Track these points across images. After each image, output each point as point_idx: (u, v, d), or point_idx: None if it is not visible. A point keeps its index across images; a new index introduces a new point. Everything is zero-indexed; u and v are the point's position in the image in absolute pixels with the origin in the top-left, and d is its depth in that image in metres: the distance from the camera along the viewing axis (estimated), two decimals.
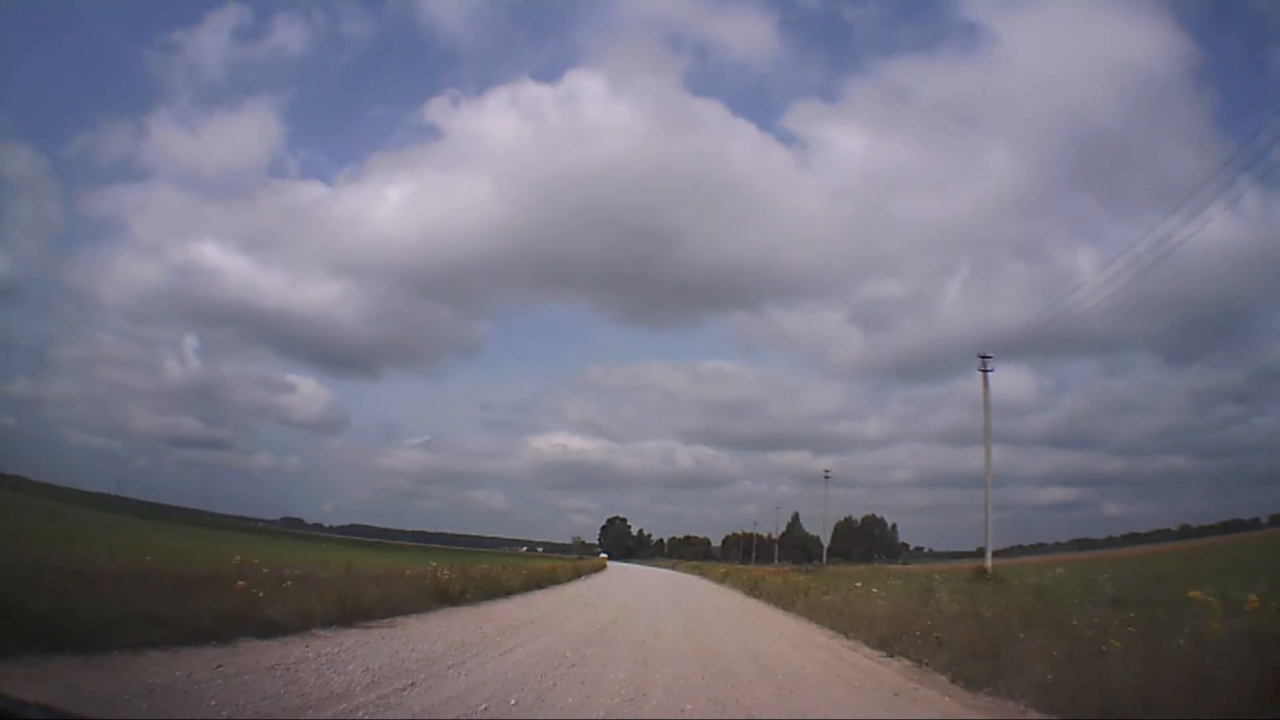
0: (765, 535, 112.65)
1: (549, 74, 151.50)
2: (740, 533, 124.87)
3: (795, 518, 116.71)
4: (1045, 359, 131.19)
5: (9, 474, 66.45)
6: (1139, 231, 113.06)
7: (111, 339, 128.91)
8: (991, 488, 31.78)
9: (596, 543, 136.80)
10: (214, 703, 5.39)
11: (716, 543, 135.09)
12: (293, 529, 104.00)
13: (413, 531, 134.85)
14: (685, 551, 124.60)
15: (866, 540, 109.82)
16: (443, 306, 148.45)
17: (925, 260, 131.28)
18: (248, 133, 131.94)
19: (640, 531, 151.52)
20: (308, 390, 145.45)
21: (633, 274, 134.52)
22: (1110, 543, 67.75)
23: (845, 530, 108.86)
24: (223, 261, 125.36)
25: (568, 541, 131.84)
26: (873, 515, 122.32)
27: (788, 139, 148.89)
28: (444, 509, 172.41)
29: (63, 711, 3.70)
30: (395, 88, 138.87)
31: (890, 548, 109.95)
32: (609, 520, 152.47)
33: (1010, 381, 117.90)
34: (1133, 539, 67.45)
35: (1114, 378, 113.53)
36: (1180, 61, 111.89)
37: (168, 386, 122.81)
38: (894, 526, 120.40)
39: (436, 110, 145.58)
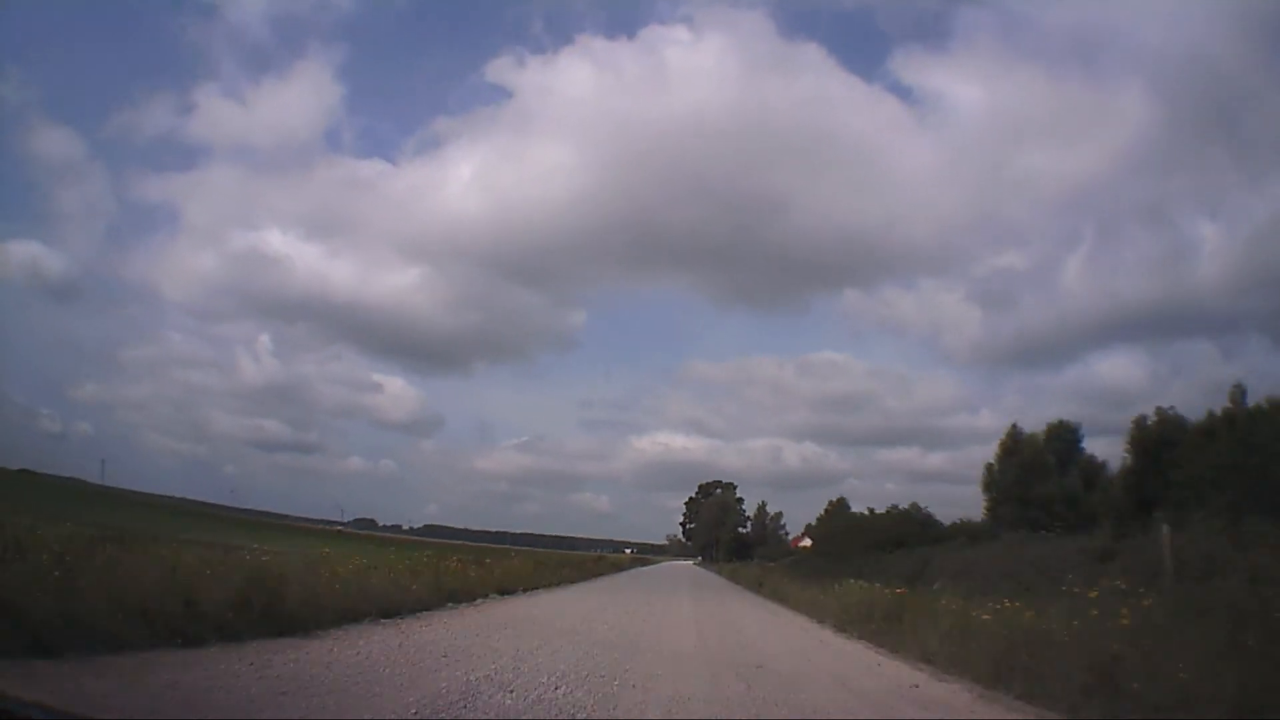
0: None
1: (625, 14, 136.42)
2: None
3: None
4: (1162, 341, 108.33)
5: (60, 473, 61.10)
6: (1263, 195, 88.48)
7: (180, 338, 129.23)
8: None
9: (682, 537, 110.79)
10: None
11: None
12: (363, 530, 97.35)
13: (495, 532, 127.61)
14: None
15: None
16: (531, 292, 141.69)
17: (1049, 226, 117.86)
18: (302, 99, 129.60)
19: (762, 508, 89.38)
20: (395, 390, 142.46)
21: (734, 248, 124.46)
22: None
23: None
24: (287, 249, 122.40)
25: (664, 542, 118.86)
26: None
27: (896, 88, 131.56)
28: (542, 512, 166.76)
29: (63, 711, 3.74)
30: (457, 40, 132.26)
31: None
32: (700, 489, 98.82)
33: (1123, 367, 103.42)
34: None
35: (1230, 363, 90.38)
36: None
37: (245, 388, 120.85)
38: None
39: (504, 66, 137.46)
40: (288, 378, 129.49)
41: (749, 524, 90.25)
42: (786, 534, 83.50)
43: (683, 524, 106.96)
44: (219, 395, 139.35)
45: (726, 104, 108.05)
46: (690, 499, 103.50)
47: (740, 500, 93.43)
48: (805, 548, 66.58)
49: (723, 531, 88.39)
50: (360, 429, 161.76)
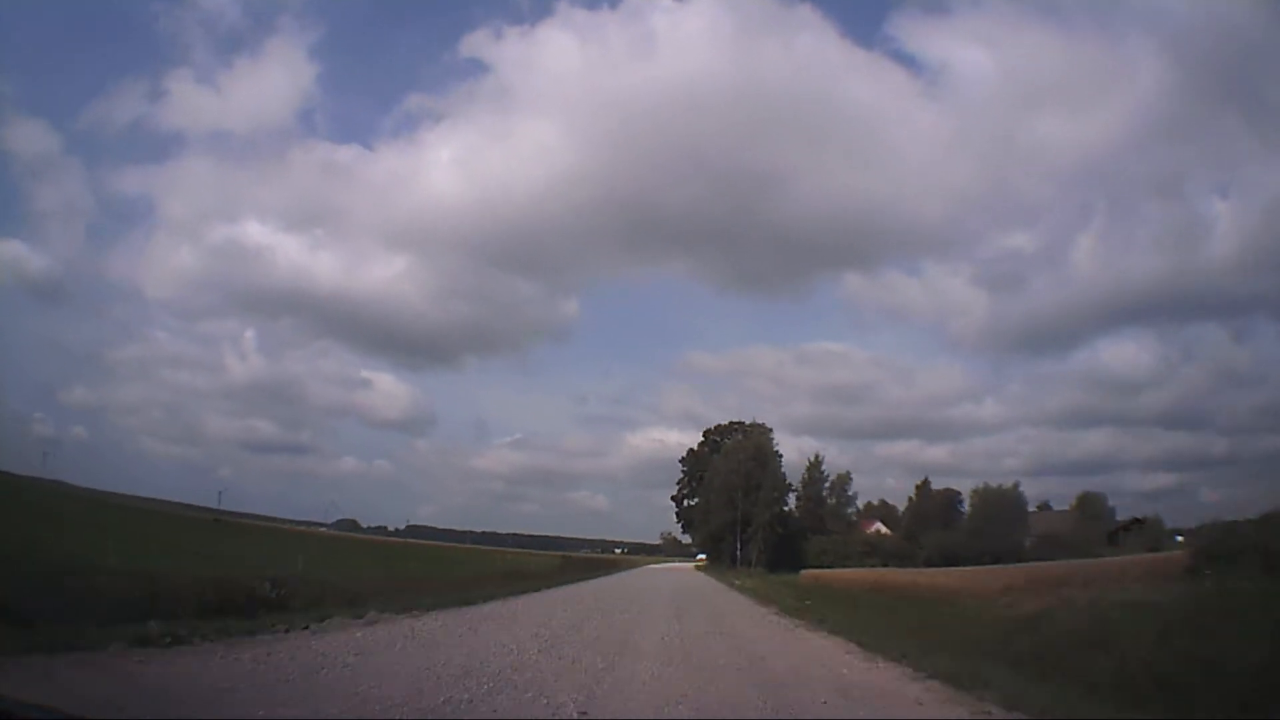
0: None
1: None
2: None
3: None
4: (1172, 325, 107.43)
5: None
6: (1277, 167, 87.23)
7: (165, 336, 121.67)
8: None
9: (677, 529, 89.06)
10: None
11: None
12: (346, 532, 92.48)
13: (483, 533, 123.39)
14: None
15: None
16: (522, 280, 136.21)
17: (1059, 202, 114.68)
18: (275, 81, 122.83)
19: (815, 465, 56.01)
20: (385, 386, 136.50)
21: (732, 228, 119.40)
22: None
23: None
24: (267, 240, 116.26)
25: (658, 541, 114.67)
26: None
27: (899, 54, 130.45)
28: (538, 512, 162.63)
29: (63, 711, 3.71)
30: (431, 11, 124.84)
31: None
32: (705, 437, 65.93)
33: (1131, 353, 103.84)
34: None
35: (1239, 346, 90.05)
36: None
37: (232, 387, 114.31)
38: None
39: (481, 39, 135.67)
40: (275, 376, 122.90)
41: (792, 496, 53.65)
42: (856, 513, 55.31)
43: (677, 499, 67.35)
44: (206, 395, 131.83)
45: (719, 73, 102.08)
46: (690, 453, 65.08)
47: (778, 456, 53.66)
48: (883, 534, 49.35)
49: (756, 506, 49.86)
50: (351, 428, 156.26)
